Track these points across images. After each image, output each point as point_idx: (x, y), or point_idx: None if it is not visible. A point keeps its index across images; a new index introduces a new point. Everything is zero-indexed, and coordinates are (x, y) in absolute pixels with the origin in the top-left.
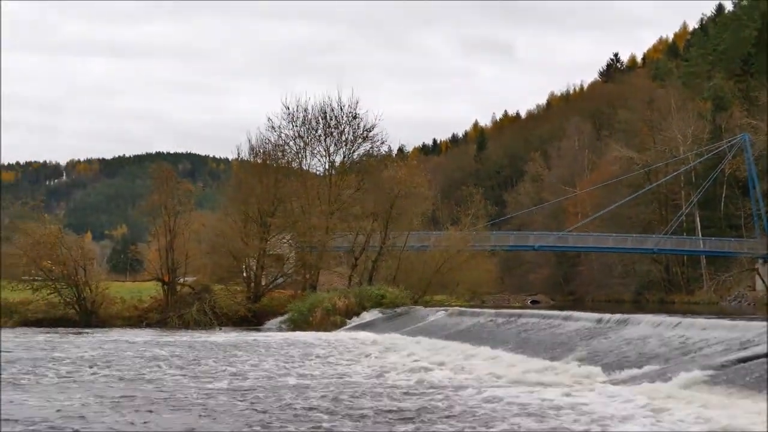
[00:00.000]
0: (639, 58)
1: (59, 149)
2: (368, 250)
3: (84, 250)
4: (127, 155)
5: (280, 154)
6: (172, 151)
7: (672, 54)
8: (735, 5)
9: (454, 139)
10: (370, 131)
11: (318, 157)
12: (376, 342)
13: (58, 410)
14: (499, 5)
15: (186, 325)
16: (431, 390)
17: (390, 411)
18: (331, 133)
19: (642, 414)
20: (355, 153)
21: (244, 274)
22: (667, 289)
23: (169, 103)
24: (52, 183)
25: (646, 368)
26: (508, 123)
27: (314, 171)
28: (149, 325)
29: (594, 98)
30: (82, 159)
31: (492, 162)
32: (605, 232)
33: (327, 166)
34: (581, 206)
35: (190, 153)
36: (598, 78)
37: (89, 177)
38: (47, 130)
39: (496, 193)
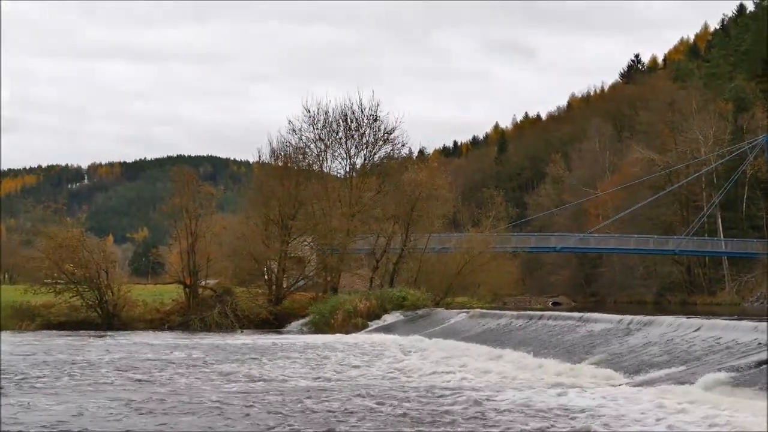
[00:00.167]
0: (660, 59)
1: (81, 153)
2: (389, 252)
3: (106, 253)
4: (148, 158)
5: (301, 156)
6: (193, 154)
7: (693, 55)
8: (756, 5)
9: (475, 141)
10: (391, 133)
11: (339, 159)
12: (397, 344)
13: (77, 414)
14: (519, 6)
15: (207, 327)
16: (451, 392)
17: (409, 413)
18: (352, 136)
19: (662, 416)
20: (376, 155)
21: (266, 277)
22: (688, 290)
23: (190, 106)
24: (74, 186)
25: (668, 370)
26: (528, 125)
27: (335, 173)
28: (171, 328)
29: (615, 99)
30: (103, 162)
31: (513, 164)
32: (626, 233)
33: (348, 169)
34: (602, 208)
35: (211, 156)
36: (619, 79)
37: (111, 180)
38: (69, 133)
39: (517, 195)
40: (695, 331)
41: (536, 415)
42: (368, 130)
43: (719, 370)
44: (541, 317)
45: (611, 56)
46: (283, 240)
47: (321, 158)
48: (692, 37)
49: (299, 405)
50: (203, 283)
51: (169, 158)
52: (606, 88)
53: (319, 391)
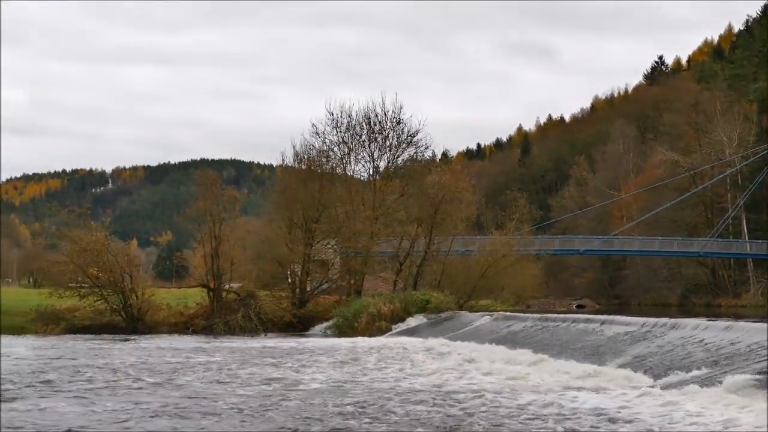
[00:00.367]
0: (684, 61)
1: (104, 157)
2: (413, 255)
3: (130, 257)
4: (171, 162)
5: (324, 159)
6: (216, 158)
7: (717, 56)
8: None
9: (498, 143)
10: (414, 136)
11: (362, 162)
12: (421, 347)
13: (90, 416)
14: (540, 8)
15: (231, 331)
16: (474, 395)
17: (431, 416)
18: (375, 139)
19: (687, 418)
20: (399, 158)
21: (289, 280)
22: (713, 292)
23: (213, 109)
24: (97, 190)
25: (694, 372)
26: (552, 127)
27: (358, 176)
28: (195, 332)
29: (639, 101)
30: (127, 166)
31: (536, 166)
32: (650, 235)
33: (371, 172)
34: (626, 210)
35: (234, 159)
36: (643, 81)
37: (134, 184)
38: (92, 138)
39: (541, 197)
40: (722, 331)
41: (559, 418)
42: (391, 132)
43: (743, 372)
44: (564, 320)
45: (635, 58)
46: (307, 243)
47: (344, 161)
48: (716, 39)
49: (322, 409)
50: (227, 286)
51: (193, 162)
52: (630, 89)
53: (341, 394)
